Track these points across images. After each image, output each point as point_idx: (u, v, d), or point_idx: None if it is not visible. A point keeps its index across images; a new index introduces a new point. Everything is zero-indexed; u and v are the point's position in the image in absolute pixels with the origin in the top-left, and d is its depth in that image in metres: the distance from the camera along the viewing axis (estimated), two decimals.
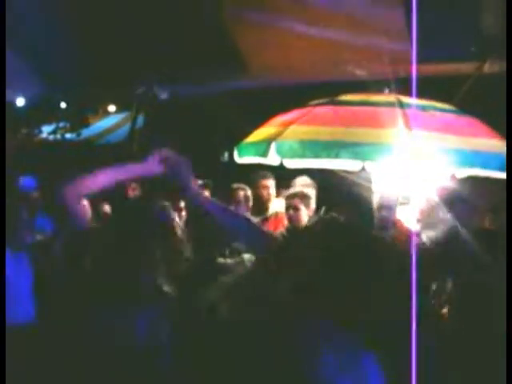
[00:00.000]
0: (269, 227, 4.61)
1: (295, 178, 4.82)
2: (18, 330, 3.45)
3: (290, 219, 4.36)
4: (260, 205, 4.81)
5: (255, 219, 4.60)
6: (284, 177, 4.87)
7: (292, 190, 4.53)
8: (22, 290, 3.67)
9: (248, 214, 4.50)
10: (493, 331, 2.66)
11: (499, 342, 2.39)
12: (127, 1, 5.17)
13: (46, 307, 3.66)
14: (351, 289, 1.81)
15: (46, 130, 8.63)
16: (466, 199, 3.76)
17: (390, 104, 3.56)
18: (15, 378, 3.01)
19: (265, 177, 5.00)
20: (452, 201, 3.89)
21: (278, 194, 5.13)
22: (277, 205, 5.03)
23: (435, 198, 3.82)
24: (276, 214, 4.95)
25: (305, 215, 4.35)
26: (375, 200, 3.85)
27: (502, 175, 3.28)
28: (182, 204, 4.49)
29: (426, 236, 4.19)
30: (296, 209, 4.31)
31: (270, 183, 5.02)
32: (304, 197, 4.38)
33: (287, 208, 4.38)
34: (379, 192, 3.90)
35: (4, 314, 3.28)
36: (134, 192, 5.38)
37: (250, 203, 4.50)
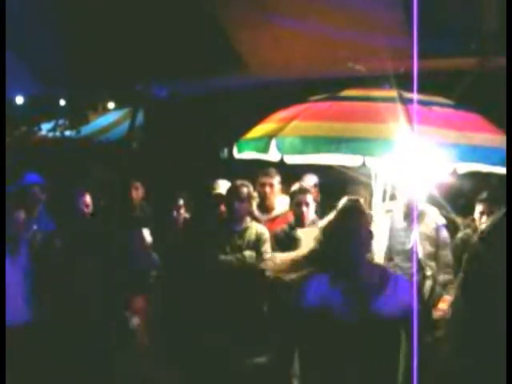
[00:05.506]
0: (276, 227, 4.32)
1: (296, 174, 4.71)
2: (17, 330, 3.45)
3: (302, 215, 4.09)
4: (265, 203, 4.55)
5: (262, 218, 4.44)
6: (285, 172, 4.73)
7: (302, 185, 4.32)
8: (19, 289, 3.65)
9: (252, 212, 4.29)
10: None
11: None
12: (125, 0, 5.16)
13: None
14: None
15: (46, 128, 8.61)
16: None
17: (390, 99, 3.55)
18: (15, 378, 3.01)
19: (267, 174, 4.66)
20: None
21: (285, 192, 4.69)
22: (284, 203, 4.59)
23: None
24: (285, 214, 4.53)
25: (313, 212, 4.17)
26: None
27: (502, 170, 3.27)
28: (181, 202, 4.46)
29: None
30: (308, 204, 4.09)
31: (275, 181, 4.67)
32: (312, 193, 4.24)
33: (298, 204, 4.11)
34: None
35: (4, 314, 3.27)
36: (137, 191, 5.34)
37: (254, 201, 4.22)
